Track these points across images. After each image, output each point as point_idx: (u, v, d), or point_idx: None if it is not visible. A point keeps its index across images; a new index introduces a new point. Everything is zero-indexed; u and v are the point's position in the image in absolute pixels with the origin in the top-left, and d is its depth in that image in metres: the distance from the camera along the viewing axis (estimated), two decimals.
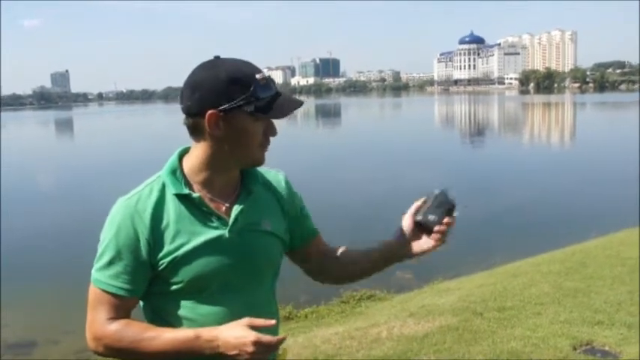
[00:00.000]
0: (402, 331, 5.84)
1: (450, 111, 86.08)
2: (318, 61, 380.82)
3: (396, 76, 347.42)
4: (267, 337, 1.56)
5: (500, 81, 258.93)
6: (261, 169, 1.86)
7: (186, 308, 1.71)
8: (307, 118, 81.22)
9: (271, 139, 1.75)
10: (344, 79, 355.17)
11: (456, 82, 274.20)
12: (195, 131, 1.69)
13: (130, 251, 1.66)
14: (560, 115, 72.58)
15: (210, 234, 1.70)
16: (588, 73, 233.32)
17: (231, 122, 1.64)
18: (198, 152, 1.72)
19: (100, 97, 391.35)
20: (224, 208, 1.75)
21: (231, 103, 1.62)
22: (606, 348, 4.99)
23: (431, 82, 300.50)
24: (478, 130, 50.69)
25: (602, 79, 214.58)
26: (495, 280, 7.75)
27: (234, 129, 1.65)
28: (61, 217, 17.11)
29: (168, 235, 1.68)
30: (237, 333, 1.57)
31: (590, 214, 15.03)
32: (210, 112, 1.62)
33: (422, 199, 1.86)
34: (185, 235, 1.68)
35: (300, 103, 1.73)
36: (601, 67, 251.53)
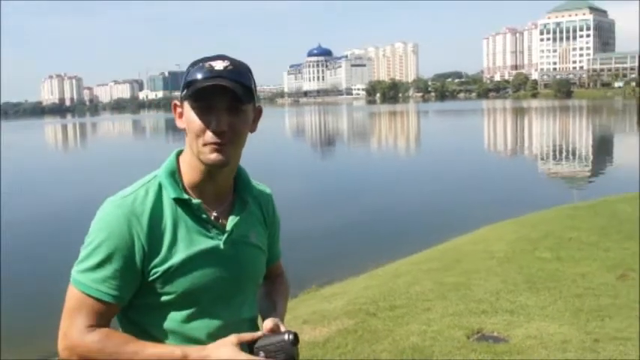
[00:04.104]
0: (302, 337, 5.88)
1: (301, 122, 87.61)
2: (167, 74, 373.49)
3: None
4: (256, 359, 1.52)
5: (348, 92, 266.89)
6: (252, 180, 1.81)
7: (174, 321, 1.61)
8: (157, 133, 79.50)
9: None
10: None
11: (306, 93, 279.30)
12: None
13: (122, 255, 1.54)
14: (406, 122, 76.15)
15: (206, 244, 1.63)
16: (430, 83, 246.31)
17: (184, 112, 1.60)
18: (185, 152, 1.68)
19: None
20: (218, 216, 1.68)
21: (183, 91, 1.59)
22: (495, 334, 5.37)
23: (281, 94, 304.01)
24: (329, 140, 51.94)
25: (442, 89, 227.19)
26: (379, 281, 8.03)
27: (186, 119, 1.59)
28: None
29: (164, 242, 1.58)
30: (227, 354, 1.50)
31: (449, 213, 15.87)
32: (173, 102, 1.62)
33: (270, 328, 1.65)
34: (181, 243, 1.59)
35: (211, 86, 1.54)
36: (441, 77, 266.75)
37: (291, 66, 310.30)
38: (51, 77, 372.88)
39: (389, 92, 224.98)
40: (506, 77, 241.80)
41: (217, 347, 1.52)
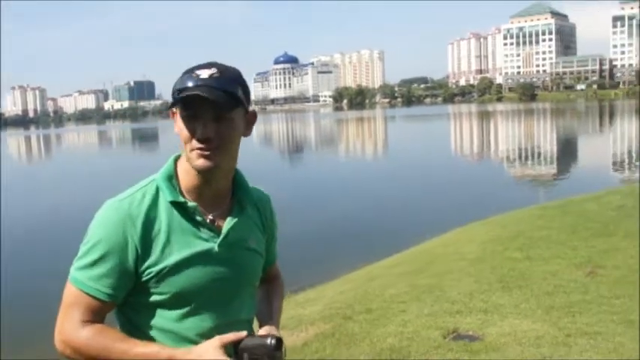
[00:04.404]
0: None
1: (268, 130, 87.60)
2: (132, 83, 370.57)
3: None
4: None
5: (315, 99, 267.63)
6: (250, 185, 1.85)
7: (168, 321, 1.66)
8: (123, 143, 78.86)
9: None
10: (160, 101, 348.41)
11: (273, 101, 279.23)
12: None
13: (117, 255, 1.60)
14: (374, 128, 76.56)
15: (201, 246, 1.67)
16: (396, 88, 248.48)
17: (176, 120, 1.66)
18: (182, 157, 1.71)
19: None
20: (213, 219, 1.71)
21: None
22: (470, 333, 5.45)
23: None
24: (297, 147, 52.00)
25: (408, 94, 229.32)
26: (354, 285, 8.09)
27: (178, 126, 1.65)
28: None
29: (158, 244, 1.63)
30: (210, 356, 1.55)
31: (419, 217, 16.02)
32: (171, 110, 1.67)
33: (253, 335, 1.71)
34: (175, 245, 1.64)
35: (188, 88, 1.59)
36: (407, 82, 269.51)
37: (258, 74, 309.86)
38: (13, 89, 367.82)
39: (356, 98, 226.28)
40: (472, 81, 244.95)
41: (201, 349, 1.57)
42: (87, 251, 1.62)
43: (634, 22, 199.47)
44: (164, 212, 1.66)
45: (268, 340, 1.59)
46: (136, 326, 1.67)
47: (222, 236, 1.70)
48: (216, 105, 1.58)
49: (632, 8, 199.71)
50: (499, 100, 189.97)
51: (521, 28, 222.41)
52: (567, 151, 35.62)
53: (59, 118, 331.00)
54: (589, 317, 5.56)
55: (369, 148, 46.37)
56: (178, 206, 1.67)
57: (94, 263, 1.61)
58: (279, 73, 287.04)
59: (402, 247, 10.92)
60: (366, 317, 6.21)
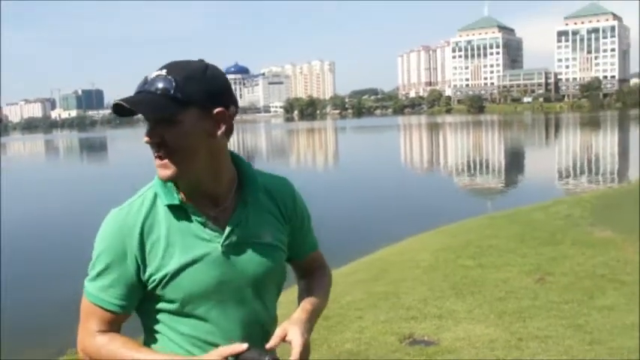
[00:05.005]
0: None
1: None
2: (80, 92, 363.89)
3: None
4: None
5: (267, 109, 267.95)
6: (267, 173, 1.80)
7: (184, 326, 1.63)
8: (71, 153, 77.43)
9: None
10: (109, 111, 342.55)
11: None
12: None
13: (118, 266, 1.59)
14: (325, 139, 76.98)
15: (203, 248, 1.61)
16: (347, 100, 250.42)
17: None
18: None
19: None
20: (217, 217, 1.64)
21: None
22: (426, 338, 5.59)
23: None
24: (247, 158, 51.61)
25: (359, 105, 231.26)
26: None
27: None
28: None
29: (158, 251, 1.59)
30: None
31: (372, 227, 16.18)
32: None
33: (278, 335, 1.62)
34: (176, 249, 1.59)
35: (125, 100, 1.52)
36: (358, 94, 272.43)
37: None
38: None
39: (307, 109, 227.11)
40: (421, 93, 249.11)
41: None
42: (94, 263, 1.62)
43: (578, 37, 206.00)
44: (163, 217, 1.61)
45: (261, 357, 1.54)
46: (157, 332, 1.66)
47: (225, 235, 1.62)
48: (148, 109, 1.51)
49: (575, 24, 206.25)
50: (448, 111, 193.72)
51: (469, 42, 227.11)
52: (515, 163, 36.49)
53: (4, 127, 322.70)
54: (539, 322, 5.76)
55: (321, 158, 46.57)
56: (177, 209, 1.61)
57: (99, 275, 1.61)
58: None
59: (357, 255, 11.02)
60: (323, 324, 6.27)
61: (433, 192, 24.05)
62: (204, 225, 1.61)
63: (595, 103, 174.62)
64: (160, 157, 1.55)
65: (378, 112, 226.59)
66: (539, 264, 7.99)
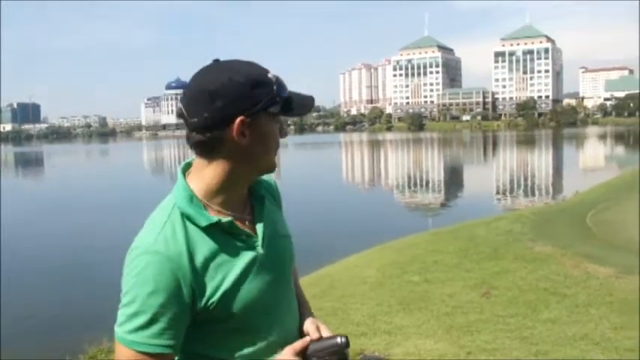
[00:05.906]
0: None
1: (160, 156, 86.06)
2: (15, 105, 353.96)
3: (103, 121, 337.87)
4: None
5: None
6: None
7: (240, 343, 1.56)
8: (6, 167, 75.29)
9: None
10: (45, 125, 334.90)
11: (165, 126, 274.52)
12: (212, 147, 1.52)
13: (174, 304, 1.46)
14: None
15: (247, 256, 1.56)
16: None
17: (256, 127, 1.52)
18: (215, 172, 1.55)
19: None
20: (247, 223, 1.61)
21: (257, 105, 1.51)
22: (377, 353, 5.63)
23: (139, 128, 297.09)
24: None
25: (301, 122, 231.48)
26: None
27: (260, 134, 1.53)
28: None
29: (209, 272, 1.50)
30: None
31: (316, 244, 16.16)
32: (239, 118, 1.48)
33: (317, 335, 1.62)
34: (224, 265, 1.52)
35: (311, 98, 1.67)
36: None
37: (149, 98, 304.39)
38: None
39: None
40: (363, 111, 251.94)
41: None
42: (136, 312, 1.45)
43: (514, 57, 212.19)
44: (201, 239, 1.52)
45: (339, 339, 1.53)
46: (209, 357, 1.57)
47: (260, 237, 1.60)
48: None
49: (511, 45, 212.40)
50: (389, 129, 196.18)
51: (409, 60, 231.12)
52: (455, 180, 37.19)
53: None
54: (487, 335, 5.87)
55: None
56: (212, 226, 1.53)
57: (152, 321, 1.45)
58: (172, 99, 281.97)
59: (303, 272, 11.02)
60: None
61: (376, 208, 24.28)
62: (239, 234, 1.57)
63: (530, 121, 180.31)
64: None
65: (319, 128, 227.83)
66: (483, 278, 8.16)
